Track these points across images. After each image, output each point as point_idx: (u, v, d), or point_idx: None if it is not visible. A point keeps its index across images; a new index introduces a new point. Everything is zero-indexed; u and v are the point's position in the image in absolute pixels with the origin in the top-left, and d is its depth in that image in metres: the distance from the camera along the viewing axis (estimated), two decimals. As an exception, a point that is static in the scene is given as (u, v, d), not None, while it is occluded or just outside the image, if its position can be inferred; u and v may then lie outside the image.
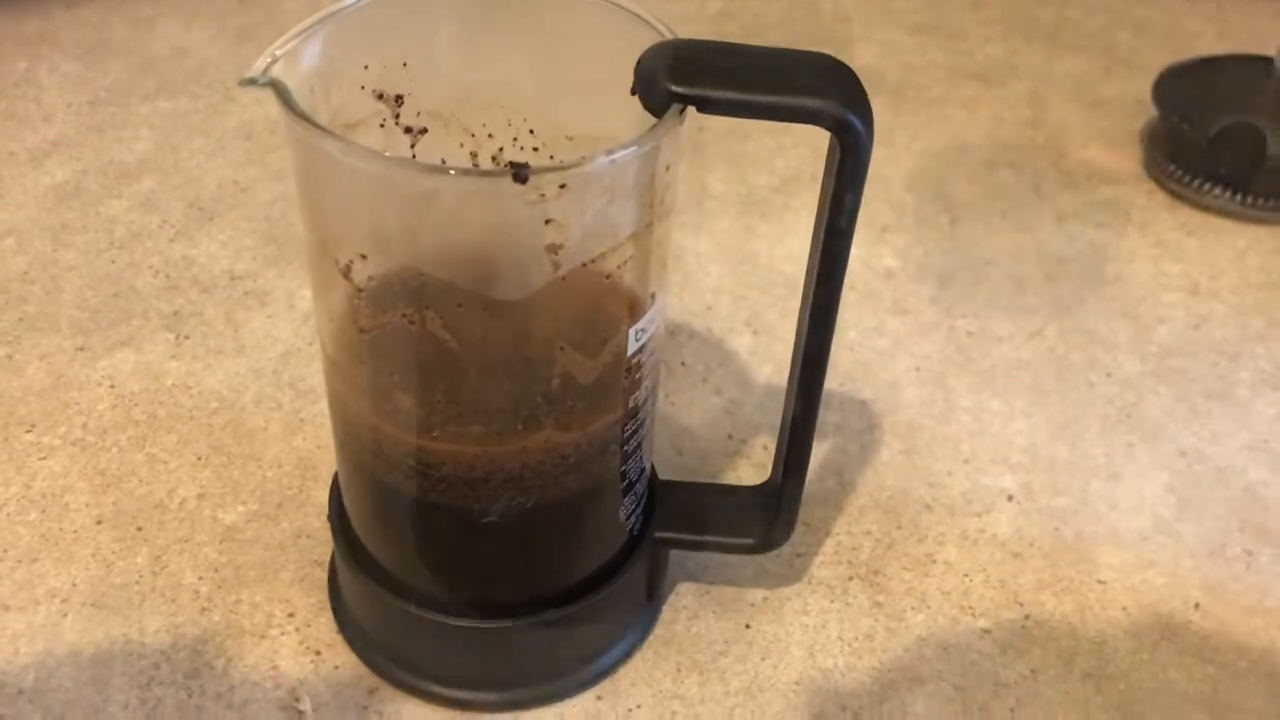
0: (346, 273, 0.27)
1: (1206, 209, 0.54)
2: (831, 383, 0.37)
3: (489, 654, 0.33)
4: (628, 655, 0.35)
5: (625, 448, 0.31)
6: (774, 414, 0.43)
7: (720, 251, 0.50)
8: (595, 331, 0.28)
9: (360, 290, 0.27)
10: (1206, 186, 0.54)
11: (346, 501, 0.33)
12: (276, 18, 0.63)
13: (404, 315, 0.27)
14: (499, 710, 0.33)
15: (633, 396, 0.30)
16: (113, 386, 0.42)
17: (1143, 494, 0.41)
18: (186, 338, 0.44)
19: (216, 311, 0.45)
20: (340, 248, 0.27)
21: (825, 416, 0.35)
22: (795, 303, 0.47)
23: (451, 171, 0.27)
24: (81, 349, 0.43)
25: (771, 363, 0.45)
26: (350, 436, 0.31)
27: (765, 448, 0.42)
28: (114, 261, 0.47)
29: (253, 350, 0.44)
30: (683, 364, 0.45)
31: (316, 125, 0.25)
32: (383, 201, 0.26)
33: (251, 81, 0.25)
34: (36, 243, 0.48)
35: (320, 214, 0.28)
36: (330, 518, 0.34)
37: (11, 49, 0.59)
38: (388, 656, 0.34)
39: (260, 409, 0.42)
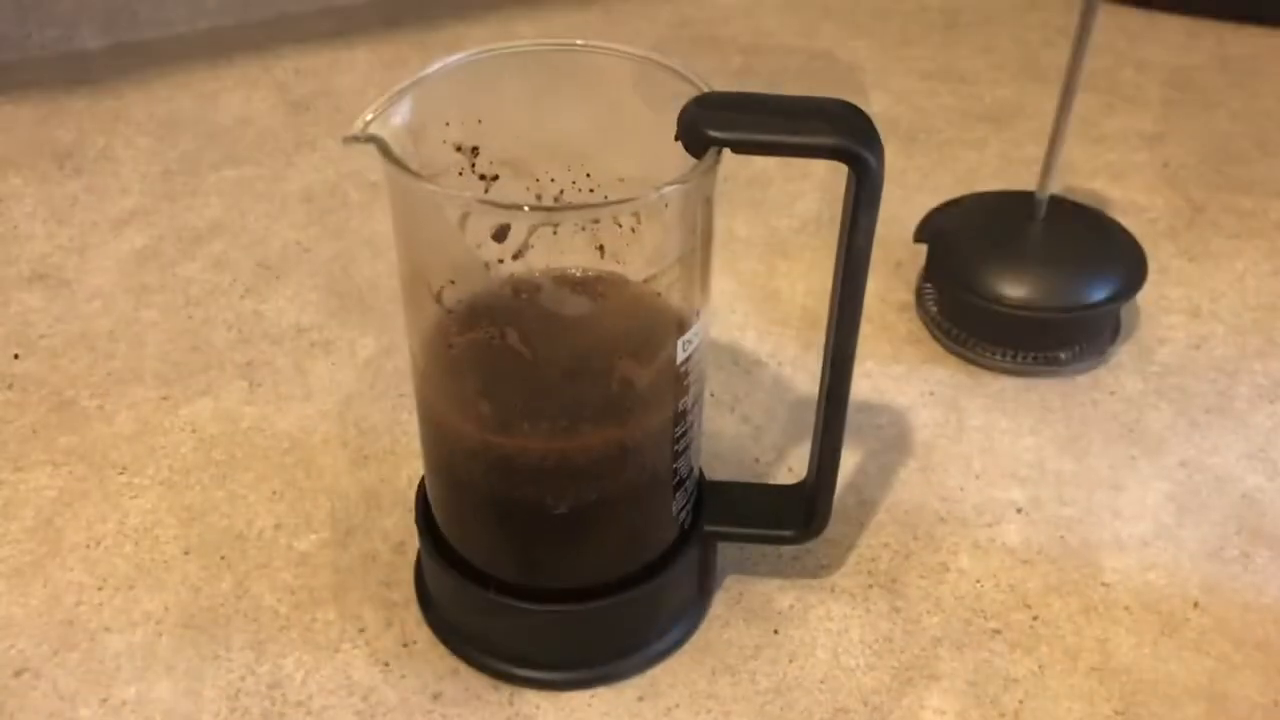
0: (438, 297, 0.32)
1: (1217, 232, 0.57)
2: (849, 408, 0.40)
3: (559, 636, 0.38)
4: (681, 641, 0.39)
5: (676, 446, 0.35)
6: (797, 439, 0.46)
7: (745, 290, 0.54)
8: (649, 342, 0.32)
9: (450, 311, 0.32)
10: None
11: (433, 501, 0.38)
12: (330, 89, 0.68)
13: (487, 332, 0.31)
14: (567, 689, 0.37)
15: (681, 400, 0.34)
16: (194, 431, 0.46)
17: (1145, 503, 0.44)
18: (259, 385, 0.48)
19: (285, 361, 0.50)
20: (432, 276, 0.32)
21: (845, 438, 0.39)
22: (815, 335, 0.51)
23: (525, 208, 0.32)
24: (165, 398, 0.48)
25: (794, 392, 0.49)
26: (438, 440, 0.35)
27: (790, 470, 0.45)
28: (191, 318, 0.52)
29: (319, 395, 0.48)
30: (711, 395, 0.48)
31: (413, 172, 0.29)
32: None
33: (354, 139, 0.30)
34: (120, 303, 0.53)
35: (415, 248, 0.32)
36: (417, 519, 0.39)
37: (90, 127, 0.64)
38: (469, 640, 0.38)
39: (328, 447, 0.46)
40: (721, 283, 0.54)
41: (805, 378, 0.49)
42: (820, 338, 0.36)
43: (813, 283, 0.54)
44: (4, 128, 0.64)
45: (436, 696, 0.37)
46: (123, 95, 0.67)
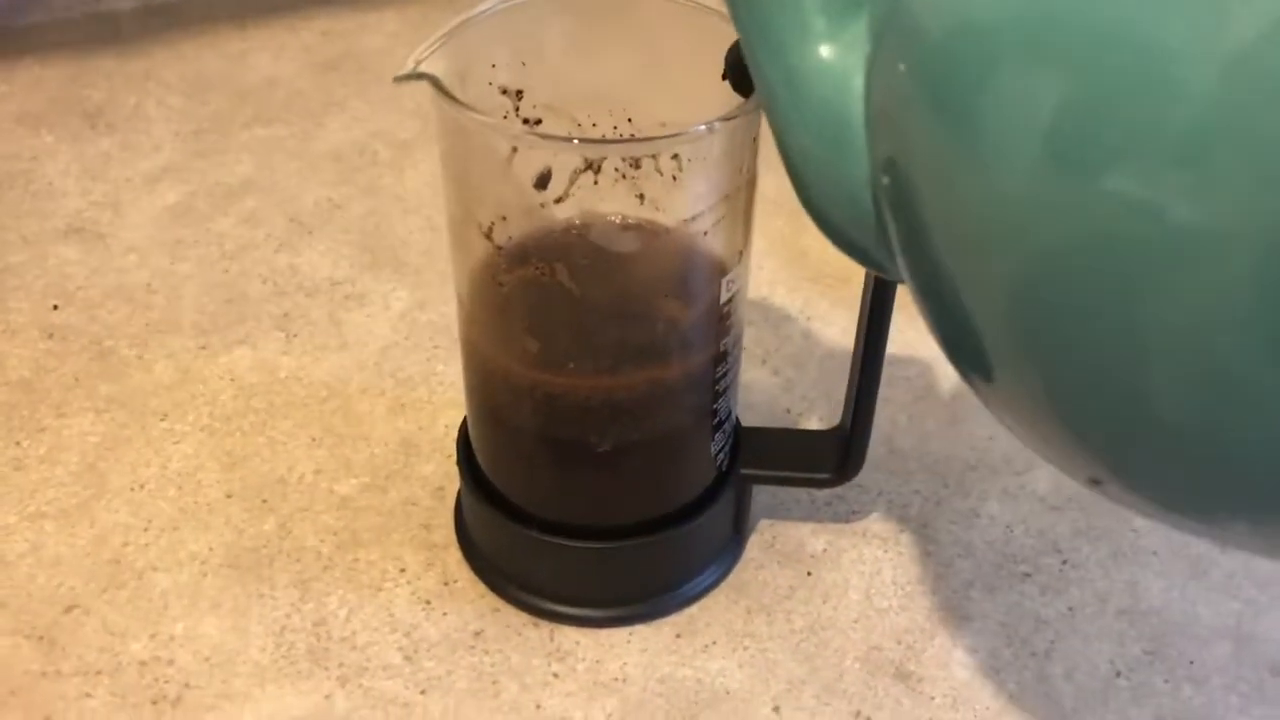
0: (489, 234, 0.32)
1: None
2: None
3: (600, 573, 0.38)
4: (717, 583, 0.40)
5: (716, 387, 0.36)
6: (827, 391, 0.47)
7: (774, 248, 0.54)
8: (693, 282, 0.33)
9: (500, 248, 0.32)
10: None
11: (475, 442, 0.38)
12: (357, 51, 0.68)
13: (537, 268, 0.32)
14: (606, 625, 0.38)
15: (723, 341, 0.35)
16: (233, 380, 0.47)
17: (1171, 453, 0.44)
18: (295, 336, 0.49)
19: (321, 313, 0.50)
20: (482, 212, 0.32)
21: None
22: (845, 292, 0.51)
23: (575, 140, 0.32)
24: (203, 348, 0.48)
25: (824, 346, 0.49)
26: (483, 380, 0.36)
27: (821, 418, 0.46)
28: (226, 271, 0.52)
29: (355, 346, 0.49)
30: (743, 348, 0.49)
31: (465, 105, 0.30)
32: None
33: (407, 77, 0.30)
34: (155, 257, 0.53)
35: (465, 184, 0.33)
36: (458, 460, 0.39)
37: (121, 86, 0.65)
38: (510, 579, 0.39)
39: (365, 396, 0.46)
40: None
41: (835, 332, 0.50)
42: (849, 294, 0.37)
43: (840, 240, 0.55)
44: (34, 87, 0.64)
45: (478, 634, 0.38)
46: (152, 55, 0.68)
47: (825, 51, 0.24)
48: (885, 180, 0.23)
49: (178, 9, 0.71)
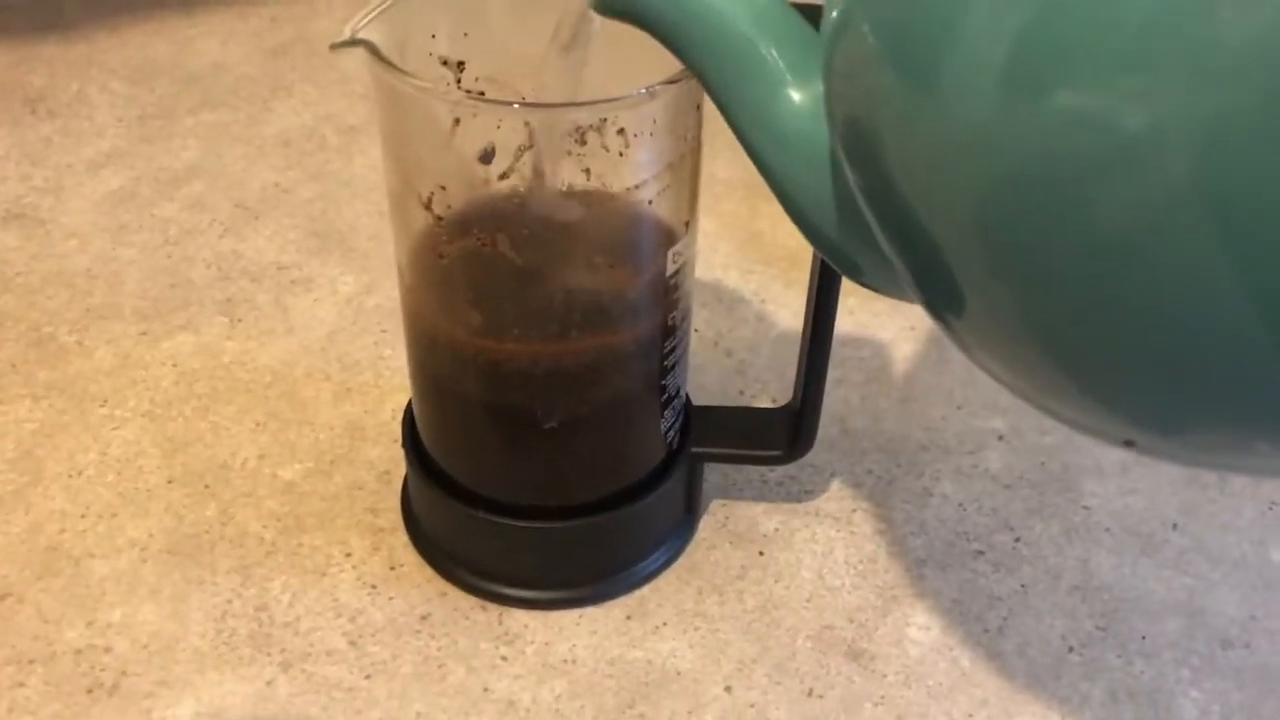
0: (428, 204, 0.31)
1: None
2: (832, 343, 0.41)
3: (548, 554, 0.38)
4: (668, 563, 0.39)
5: (665, 362, 0.35)
6: (780, 373, 0.46)
7: (728, 230, 0.54)
8: (639, 251, 0.33)
9: (440, 219, 0.31)
10: None
11: (420, 421, 0.38)
12: (307, 35, 0.67)
13: (478, 239, 0.31)
14: (555, 608, 0.38)
15: (671, 314, 0.34)
16: (175, 365, 0.46)
17: (1123, 431, 0.44)
18: (240, 321, 0.48)
19: (266, 297, 0.49)
20: (422, 182, 0.31)
21: (829, 370, 0.39)
22: (797, 274, 0.51)
23: (515, 105, 0.32)
24: (144, 333, 0.47)
25: (777, 328, 0.49)
26: (427, 354, 0.35)
27: (774, 400, 0.45)
28: (169, 256, 0.51)
29: (301, 330, 0.48)
30: (696, 330, 0.49)
31: (403, 71, 0.29)
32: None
33: (343, 44, 0.30)
34: (97, 242, 0.52)
35: (403, 154, 0.32)
36: (404, 441, 0.39)
37: (63, 71, 0.63)
38: (457, 562, 0.38)
39: (310, 381, 0.46)
40: (703, 223, 0.54)
41: (787, 314, 0.49)
42: (803, 276, 0.36)
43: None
44: (-26, 73, 0.63)
45: (425, 617, 0.37)
46: (96, 41, 0.66)
47: (797, 96, 0.26)
48: (848, 139, 0.24)
49: (123, -6, 0.70)
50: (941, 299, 0.24)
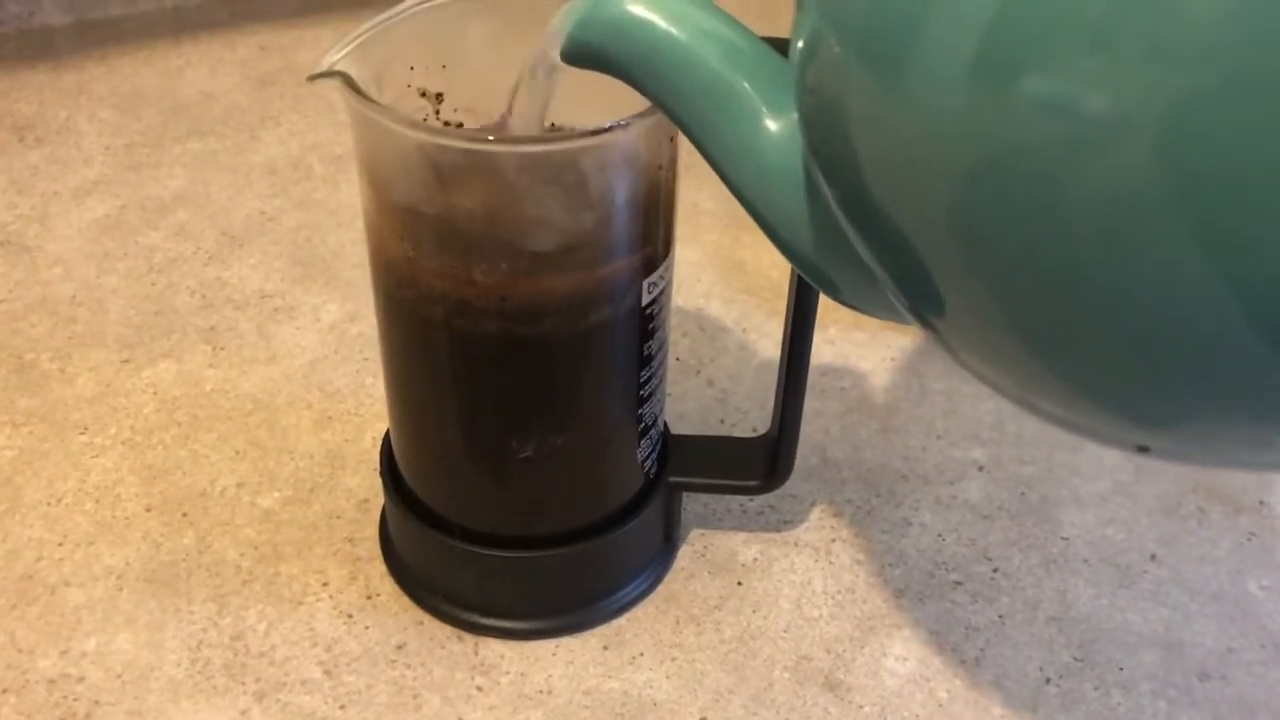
0: (402, 234, 0.31)
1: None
2: (812, 374, 0.41)
3: (524, 584, 0.37)
4: (646, 593, 0.39)
5: (641, 392, 0.35)
6: (761, 402, 0.47)
7: (710, 260, 0.54)
8: (613, 280, 0.33)
9: (414, 246, 0.31)
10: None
11: (398, 450, 0.38)
12: (295, 65, 0.68)
13: (450, 267, 0.31)
14: (531, 638, 0.37)
15: (647, 344, 0.34)
16: (156, 393, 0.46)
17: (1102, 462, 0.45)
18: (222, 349, 0.48)
19: (249, 325, 0.49)
20: (395, 211, 0.32)
21: (807, 403, 0.39)
22: (779, 303, 0.51)
23: (490, 138, 0.32)
24: (127, 361, 0.47)
25: (759, 357, 0.49)
26: (403, 383, 0.35)
27: (755, 429, 0.45)
28: (154, 284, 0.51)
29: (283, 358, 0.48)
30: (677, 359, 0.49)
31: (377, 104, 0.30)
32: (429, 164, 0.31)
33: (320, 75, 0.30)
34: (81, 270, 0.52)
35: (378, 181, 0.32)
36: (381, 471, 0.39)
37: (53, 99, 0.64)
38: (433, 591, 0.38)
39: (292, 409, 0.46)
40: (686, 253, 0.54)
41: (770, 344, 0.50)
42: (784, 306, 0.36)
43: (777, 255, 0.54)
44: (-36, 101, 0.63)
45: (400, 647, 0.37)
46: (85, 70, 0.67)
47: (774, 126, 0.26)
48: (822, 155, 0.25)
49: (114, 25, 0.70)
50: (924, 302, 0.24)
